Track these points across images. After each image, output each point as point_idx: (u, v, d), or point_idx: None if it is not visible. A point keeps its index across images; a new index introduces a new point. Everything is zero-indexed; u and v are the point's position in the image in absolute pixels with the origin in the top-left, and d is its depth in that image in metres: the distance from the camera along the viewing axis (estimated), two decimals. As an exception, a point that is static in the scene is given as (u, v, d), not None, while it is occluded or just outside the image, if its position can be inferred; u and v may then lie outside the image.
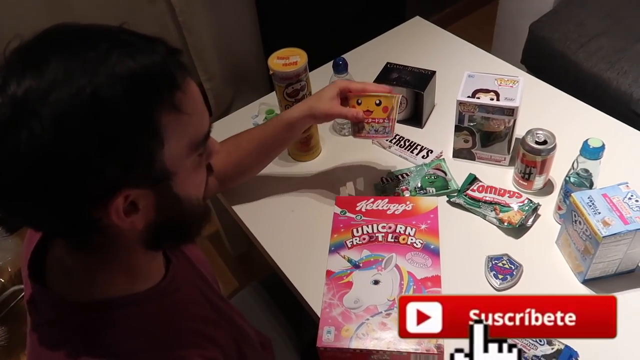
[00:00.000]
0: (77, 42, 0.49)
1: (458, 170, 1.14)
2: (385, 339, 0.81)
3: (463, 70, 1.13)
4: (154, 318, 0.62)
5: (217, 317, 0.73)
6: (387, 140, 1.22)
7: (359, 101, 0.96)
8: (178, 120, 0.52)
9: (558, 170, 1.04)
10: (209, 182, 0.91)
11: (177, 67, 0.53)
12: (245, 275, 1.81)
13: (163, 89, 0.51)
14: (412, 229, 0.96)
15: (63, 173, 0.47)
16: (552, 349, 0.81)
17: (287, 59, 1.07)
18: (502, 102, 1.03)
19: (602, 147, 0.89)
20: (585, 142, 0.90)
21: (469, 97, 1.06)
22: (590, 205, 0.86)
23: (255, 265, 1.80)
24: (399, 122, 1.29)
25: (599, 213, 0.84)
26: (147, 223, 0.55)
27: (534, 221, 1.02)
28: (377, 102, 0.95)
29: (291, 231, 1.07)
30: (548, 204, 1.04)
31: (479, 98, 1.05)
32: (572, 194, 0.88)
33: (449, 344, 0.84)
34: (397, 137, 1.25)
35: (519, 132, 1.06)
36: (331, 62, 1.21)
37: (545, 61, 1.76)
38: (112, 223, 0.52)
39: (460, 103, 1.06)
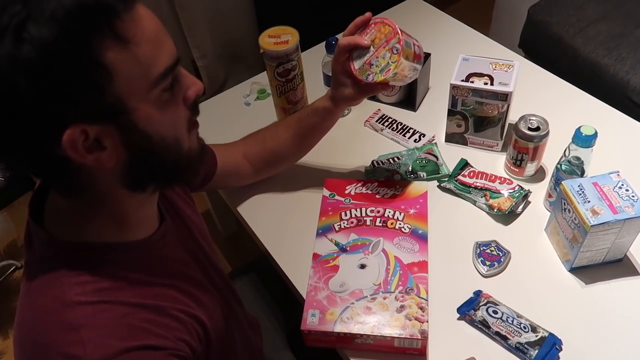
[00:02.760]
0: None
1: (450, 155, 1.13)
2: (370, 323, 0.80)
3: (459, 53, 1.11)
4: (139, 267, 0.62)
5: (207, 282, 0.74)
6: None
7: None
8: (125, 51, 0.50)
9: (551, 157, 1.03)
10: (213, 153, 0.91)
11: None
12: (236, 256, 1.81)
13: (100, 18, 0.49)
14: (400, 214, 0.95)
15: (4, 110, 0.48)
16: (536, 336, 0.81)
17: (278, 38, 1.04)
18: (496, 87, 1.02)
19: (595, 135, 0.88)
20: (578, 129, 0.88)
21: (462, 80, 1.04)
22: (580, 194, 0.85)
23: (246, 245, 1.79)
24: (392, 104, 1.28)
25: (589, 202, 0.84)
26: (119, 161, 0.55)
27: (524, 208, 1.01)
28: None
29: (279, 213, 1.06)
30: (539, 191, 1.04)
31: (472, 82, 1.04)
32: (562, 182, 0.87)
33: (433, 330, 0.84)
34: (390, 120, 1.23)
35: (513, 117, 1.05)
36: (324, 43, 1.19)
37: (542, 45, 1.74)
38: (76, 161, 0.52)
39: (453, 87, 1.05)
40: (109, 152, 0.54)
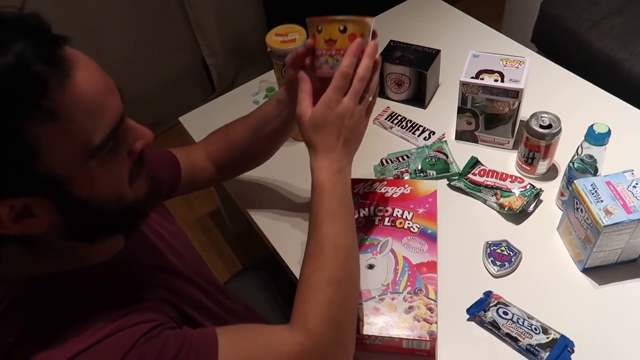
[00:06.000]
0: None
1: (460, 153, 1.11)
2: (378, 324, 0.80)
3: (469, 49, 1.10)
4: (102, 286, 0.61)
5: (184, 284, 0.72)
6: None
7: (320, 28, 0.74)
8: (55, 128, 0.47)
9: (563, 155, 1.01)
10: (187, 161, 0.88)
11: (48, 64, 0.46)
12: (246, 254, 1.81)
13: (23, 97, 0.45)
14: (409, 213, 0.94)
15: None
16: (548, 338, 0.80)
17: (285, 36, 1.04)
18: (507, 84, 1.00)
19: (608, 133, 0.86)
20: (591, 127, 0.87)
21: (472, 77, 1.03)
22: (593, 193, 0.83)
23: (257, 243, 1.79)
24: (401, 102, 1.26)
25: (602, 201, 0.82)
26: (53, 225, 0.53)
27: (535, 207, 0.99)
28: (342, 28, 0.73)
29: (288, 212, 1.06)
30: (551, 190, 1.02)
31: (482, 79, 1.02)
32: (575, 181, 0.86)
33: (442, 332, 0.83)
34: (399, 118, 1.22)
35: (525, 114, 1.03)
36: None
37: (556, 40, 1.71)
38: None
39: (463, 84, 1.03)
40: (38, 219, 0.52)
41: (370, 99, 0.76)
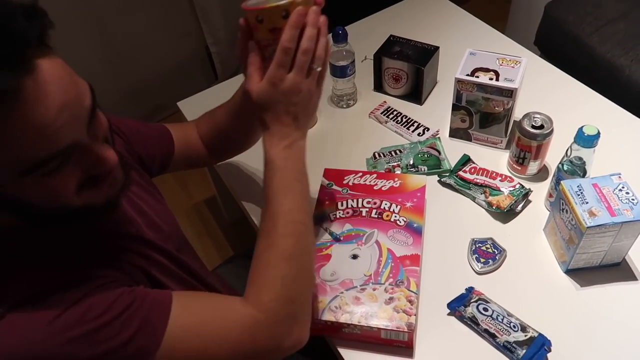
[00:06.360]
0: None
1: (453, 151, 1.12)
2: (357, 313, 0.80)
3: (469, 48, 1.10)
4: (63, 244, 0.60)
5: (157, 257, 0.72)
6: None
7: (260, 18, 0.67)
8: None
9: (555, 156, 1.01)
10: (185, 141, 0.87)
11: (11, 71, 0.44)
12: (240, 242, 1.82)
13: None
14: (397, 206, 0.94)
15: None
16: (526, 336, 0.80)
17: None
18: (501, 83, 1.00)
19: (597, 135, 0.86)
20: (580, 129, 0.87)
21: (468, 75, 1.03)
22: (579, 194, 0.83)
23: (251, 233, 1.80)
24: (398, 97, 1.27)
25: (587, 203, 0.82)
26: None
27: (523, 207, 1.00)
28: (284, 14, 0.66)
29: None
30: (541, 191, 1.02)
31: (478, 77, 1.02)
32: (562, 182, 0.86)
33: (422, 325, 0.84)
34: (395, 113, 1.22)
35: (519, 114, 1.03)
36: (330, 34, 1.18)
37: (558, 44, 1.70)
38: None
39: (458, 81, 1.03)
40: None
41: (319, 69, 0.71)
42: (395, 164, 1.09)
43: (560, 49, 1.68)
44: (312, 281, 0.74)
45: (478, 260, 0.92)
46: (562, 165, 0.92)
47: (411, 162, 1.09)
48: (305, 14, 0.67)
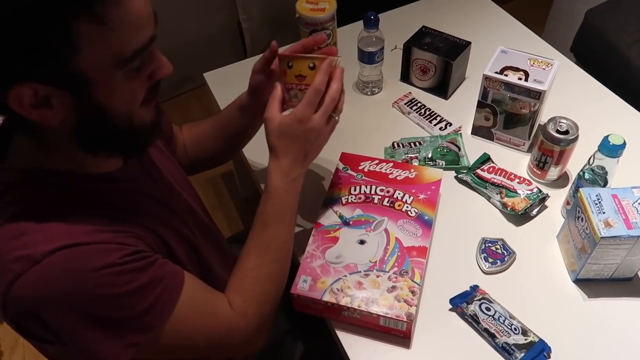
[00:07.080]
0: None
1: (473, 148, 1.10)
2: (359, 298, 0.80)
3: (502, 45, 1.08)
4: (95, 195, 0.64)
5: (180, 225, 0.75)
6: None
7: (290, 64, 0.78)
8: (99, 32, 0.51)
9: (577, 165, 0.99)
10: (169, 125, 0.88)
11: None
12: (251, 219, 1.82)
13: None
14: (410, 197, 0.93)
15: None
16: (526, 339, 0.79)
17: (316, 4, 1.03)
18: (530, 84, 0.98)
19: (623, 145, 0.84)
20: (606, 137, 0.85)
21: (496, 72, 1.01)
22: (597, 204, 0.82)
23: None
24: (424, 89, 1.25)
25: (604, 213, 0.80)
26: (66, 122, 0.56)
27: (539, 212, 0.98)
28: (311, 65, 0.77)
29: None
30: (559, 197, 1.00)
31: (506, 75, 1.00)
32: (580, 189, 0.84)
33: (422, 317, 0.84)
34: (419, 105, 1.21)
35: (546, 119, 1.01)
36: (362, 20, 1.17)
37: (594, 52, 1.66)
38: (18, 113, 0.53)
39: (486, 78, 1.02)
40: (55, 112, 0.55)
41: (337, 119, 0.80)
42: (413, 155, 1.08)
43: (597, 57, 1.64)
44: (280, 297, 0.81)
45: (486, 260, 0.91)
46: (584, 173, 0.90)
47: (429, 156, 1.08)
48: (332, 65, 0.76)
